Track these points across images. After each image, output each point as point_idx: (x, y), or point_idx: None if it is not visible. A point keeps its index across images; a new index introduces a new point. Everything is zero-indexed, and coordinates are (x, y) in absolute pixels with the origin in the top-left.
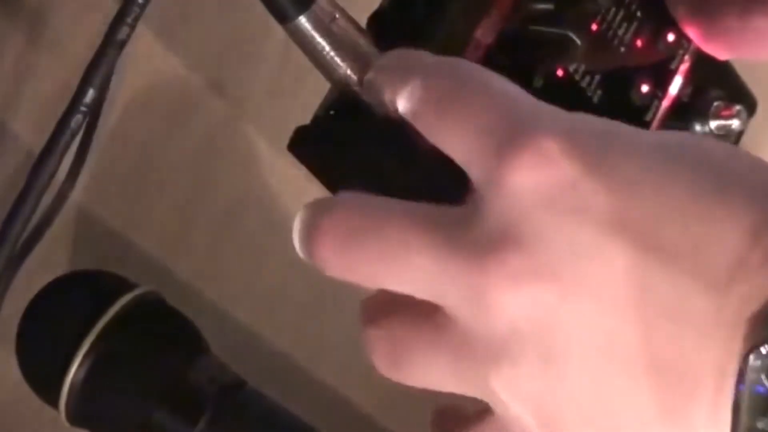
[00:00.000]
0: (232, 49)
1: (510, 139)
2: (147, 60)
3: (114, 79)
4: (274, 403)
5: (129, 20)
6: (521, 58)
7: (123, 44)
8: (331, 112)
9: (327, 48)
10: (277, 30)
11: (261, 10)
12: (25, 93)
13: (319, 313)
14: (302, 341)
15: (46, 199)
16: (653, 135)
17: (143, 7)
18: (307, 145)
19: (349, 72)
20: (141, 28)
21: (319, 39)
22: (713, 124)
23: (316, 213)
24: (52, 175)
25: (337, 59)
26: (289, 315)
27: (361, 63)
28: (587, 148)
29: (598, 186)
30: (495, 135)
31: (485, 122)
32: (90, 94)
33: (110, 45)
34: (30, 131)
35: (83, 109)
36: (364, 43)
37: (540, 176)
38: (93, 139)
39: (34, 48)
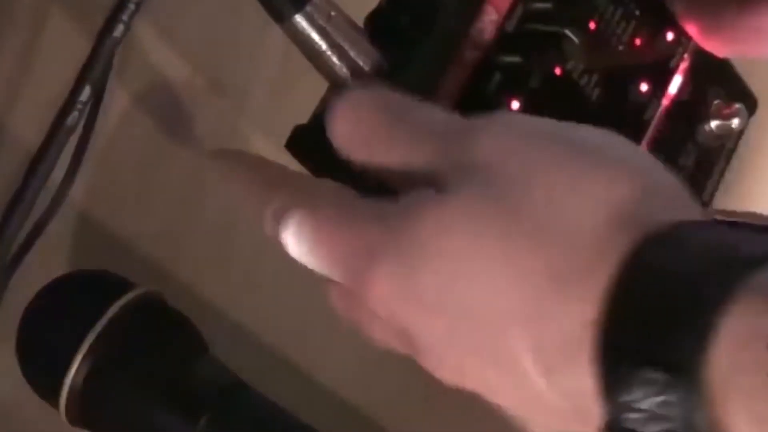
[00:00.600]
0: (232, 49)
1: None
2: (147, 60)
3: (113, 78)
4: (273, 404)
5: (124, 18)
6: (519, 57)
7: (118, 42)
8: None
9: (324, 47)
10: (277, 30)
11: (260, 9)
12: (25, 93)
13: (319, 313)
14: (302, 341)
15: (45, 199)
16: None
17: (139, 4)
18: (304, 144)
19: (345, 70)
20: (141, 27)
21: (315, 38)
22: (713, 123)
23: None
24: (49, 172)
25: (334, 58)
26: (289, 315)
27: (358, 61)
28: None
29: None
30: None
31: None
32: (86, 92)
33: (105, 42)
34: (29, 131)
35: (79, 106)
36: (361, 42)
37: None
38: (91, 138)
39: (33, 48)
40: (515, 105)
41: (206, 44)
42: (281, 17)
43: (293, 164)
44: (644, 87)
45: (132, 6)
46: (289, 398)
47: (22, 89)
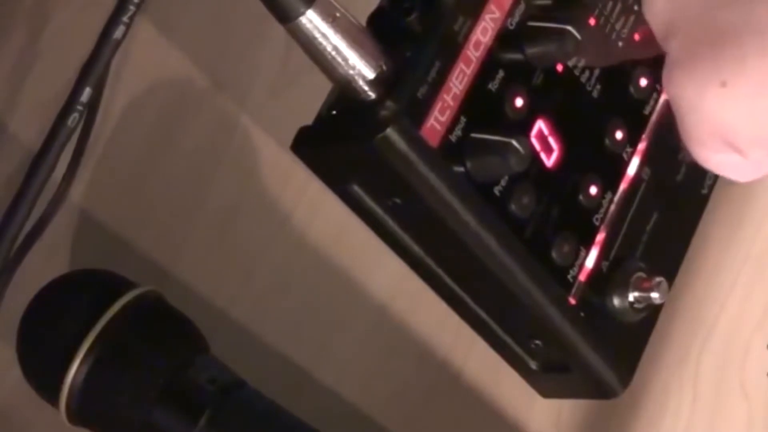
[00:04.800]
0: (232, 49)
1: None
2: (146, 60)
3: (113, 78)
4: (274, 403)
5: (125, 19)
6: (521, 55)
7: (119, 43)
8: (333, 112)
9: (328, 47)
10: (277, 30)
11: (261, 9)
12: (25, 93)
13: (319, 313)
14: (302, 341)
15: (45, 198)
16: None
17: (139, 5)
18: (309, 146)
19: (350, 71)
20: (140, 27)
21: (320, 39)
22: None
23: None
24: (50, 174)
25: (338, 59)
26: (289, 315)
27: (362, 62)
28: None
29: None
30: None
31: None
32: (86, 93)
33: (106, 43)
34: (29, 131)
35: (79, 108)
36: (365, 42)
37: None
38: (90, 138)
39: (34, 48)
40: (519, 102)
41: (206, 44)
42: (285, 18)
43: (297, 166)
44: (644, 82)
45: (132, 7)
46: (289, 398)
47: (22, 89)
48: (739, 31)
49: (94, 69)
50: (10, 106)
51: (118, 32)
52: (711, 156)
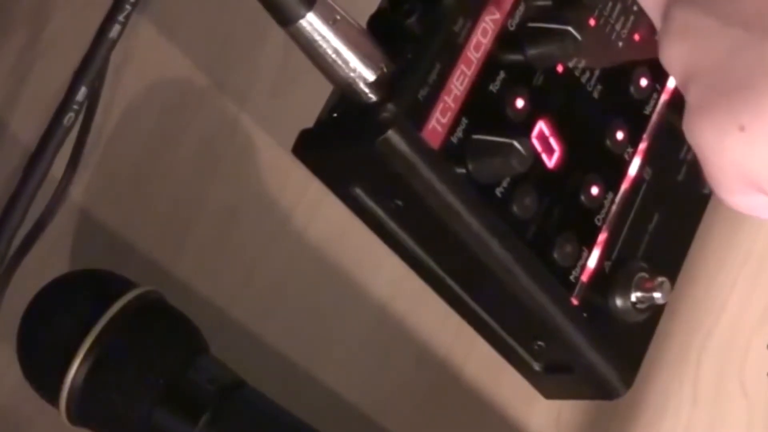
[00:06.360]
0: (232, 49)
1: None
2: (147, 59)
3: (113, 78)
4: (274, 403)
5: (120, 18)
6: (521, 56)
7: (115, 42)
8: (334, 115)
9: (329, 50)
10: (277, 30)
11: (261, 10)
12: (25, 93)
13: (319, 313)
14: (302, 341)
15: (44, 198)
16: None
17: (135, 5)
18: (311, 149)
19: (351, 74)
20: (140, 27)
21: (320, 41)
22: None
23: None
24: (46, 173)
25: (339, 61)
26: (289, 315)
27: (362, 64)
28: None
29: None
30: None
31: None
32: (82, 92)
33: (101, 43)
34: (29, 131)
35: (75, 107)
36: (366, 44)
37: None
38: (90, 138)
39: (33, 48)
40: (520, 103)
41: (206, 44)
42: (286, 21)
43: (297, 166)
44: (644, 82)
45: (128, 6)
46: (289, 398)
47: (22, 89)
48: (754, 74)
49: (89, 68)
50: (9, 106)
51: (114, 31)
52: (740, 200)
